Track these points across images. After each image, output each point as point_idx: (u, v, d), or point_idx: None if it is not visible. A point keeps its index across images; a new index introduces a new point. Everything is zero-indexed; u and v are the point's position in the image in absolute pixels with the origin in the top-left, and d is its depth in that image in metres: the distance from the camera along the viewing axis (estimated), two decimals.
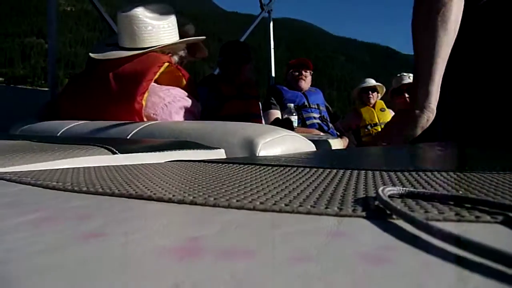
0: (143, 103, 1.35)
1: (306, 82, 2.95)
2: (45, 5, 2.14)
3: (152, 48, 1.48)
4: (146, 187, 0.37)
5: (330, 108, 3.10)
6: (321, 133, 2.69)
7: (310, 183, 0.39)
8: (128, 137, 1.13)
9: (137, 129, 1.15)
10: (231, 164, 0.58)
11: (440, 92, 1.01)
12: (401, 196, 0.31)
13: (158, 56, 1.48)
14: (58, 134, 1.33)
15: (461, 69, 1.06)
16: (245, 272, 0.16)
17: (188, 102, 1.46)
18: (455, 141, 1.14)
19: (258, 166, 0.54)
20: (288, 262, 0.17)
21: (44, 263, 0.18)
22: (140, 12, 1.48)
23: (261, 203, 0.29)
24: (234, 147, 0.94)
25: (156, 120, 1.35)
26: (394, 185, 0.37)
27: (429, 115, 0.97)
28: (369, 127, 3.45)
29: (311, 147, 1.06)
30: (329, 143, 2.36)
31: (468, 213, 0.25)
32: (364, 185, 0.37)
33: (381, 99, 3.62)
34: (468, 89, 1.05)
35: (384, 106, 3.52)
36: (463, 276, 0.16)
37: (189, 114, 1.46)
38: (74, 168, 0.55)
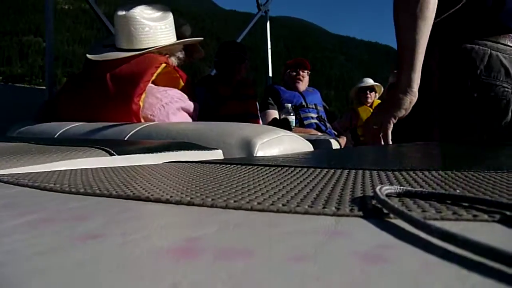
0: (141, 104, 1.35)
1: (303, 82, 2.95)
2: (43, 3, 2.13)
3: (149, 49, 1.48)
4: (143, 188, 0.37)
5: (328, 108, 3.10)
6: (319, 133, 2.70)
7: (308, 183, 0.39)
8: (125, 139, 1.13)
9: (135, 130, 1.15)
10: (229, 165, 0.58)
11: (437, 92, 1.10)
12: (399, 195, 0.31)
13: (156, 57, 1.48)
14: (56, 136, 1.33)
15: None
16: (243, 272, 0.16)
17: (186, 103, 1.46)
18: (452, 140, 1.17)
19: (255, 167, 0.54)
20: (286, 262, 0.17)
21: (42, 265, 0.18)
22: (137, 13, 1.48)
23: (258, 203, 0.29)
24: (231, 148, 0.94)
25: (154, 121, 1.35)
26: (391, 184, 0.37)
27: (412, 98, 1.05)
28: None
29: (309, 147, 1.06)
30: (326, 143, 2.36)
31: (465, 212, 0.25)
32: (361, 184, 0.37)
33: (379, 98, 3.62)
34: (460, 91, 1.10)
35: None
36: (461, 275, 0.16)
37: (187, 115, 1.46)
38: (71, 169, 0.55)
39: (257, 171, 0.49)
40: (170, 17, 1.59)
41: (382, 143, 1.07)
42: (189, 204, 0.30)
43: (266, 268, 0.17)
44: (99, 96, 1.43)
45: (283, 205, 0.28)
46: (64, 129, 1.35)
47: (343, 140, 2.90)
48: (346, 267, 0.17)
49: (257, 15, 3.50)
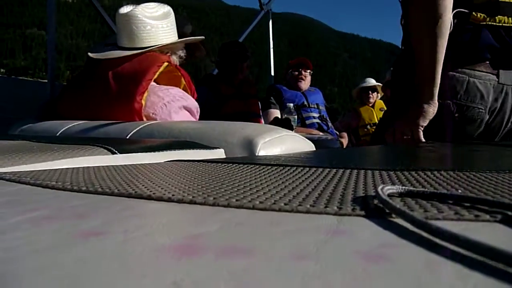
0: (143, 102, 1.35)
1: (305, 82, 2.95)
2: None
3: (151, 48, 1.48)
4: (145, 187, 0.37)
5: (329, 107, 3.10)
6: (321, 133, 2.70)
7: (310, 182, 0.39)
8: (127, 137, 1.13)
9: (136, 129, 1.15)
10: (231, 164, 0.58)
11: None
12: (401, 195, 0.31)
13: (158, 55, 1.48)
14: (58, 134, 1.33)
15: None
16: (244, 270, 0.16)
17: (187, 102, 1.46)
18: (454, 141, 1.20)
19: (257, 166, 0.54)
20: (287, 261, 0.17)
21: (44, 262, 0.18)
22: (139, 12, 1.48)
23: (260, 202, 0.29)
24: (233, 147, 0.94)
25: (155, 119, 1.35)
26: (393, 184, 0.37)
27: (434, 108, 1.18)
28: (368, 126, 3.45)
29: (311, 147, 1.06)
30: (328, 142, 2.36)
31: (467, 212, 0.25)
32: (363, 184, 0.37)
33: (380, 98, 3.62)
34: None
35: (383, 106, 3.53)
36: (463, 275, 0.16)
37: (188, 113, 1.46)
38: (73, 168, 0.55)
39: (259, 170, 0.49)
40: (171, 15, 1.59)
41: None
42: (191, 202, 0.30)
43: (268, 267, 0.17)
44: (101, 95, 1.43)
45: (285, 204, 0.28)
46: (66, 127, 1.35)
47: (345, 140, 2.90)
48: (347, 266, 0.17)
49: (260, 15, 3.50)
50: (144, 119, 1.35)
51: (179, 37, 1.61)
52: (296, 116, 2.75)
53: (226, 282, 0.15)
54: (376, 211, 0.26)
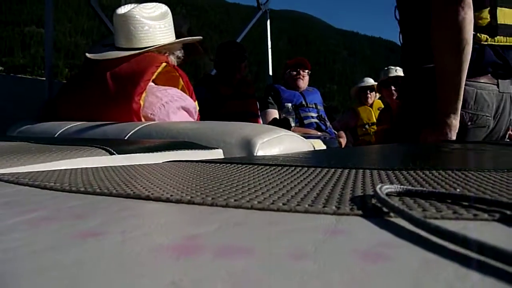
0: (141, 103, 1.35)
1: (303, 82, 2.95)
2: None
3: (149, 48, 1.48)
4: (144, 187, 0.37)
5: (327, 106, 3.10)
6: (319, 133, 2.70)
7: (308, 182, 0.39)
8: (125, 138, 1.13)
9: (135, 129, 1.15)
10: (229, 164, 0.58)
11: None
12: (399, 194, 0.31)
13: (156, 56, 1.47)
14: (56, 135, 1.33)
15: None
16: (243, 270, 0.16)
17: (186, 102, 1.45)
18: (452, 140, 1.25)
19: (256, 166, 0.54)
20: (285, 260, 0.17)
21: (42, 263, 0.18)
22: (136, 12, 1.48)
23: (259, 202, 0.29)
24: (232, 147, 0.94)
25: (154, 120, 1.35)
26: (392, 183, 0.37)
27: (458, 119, 1.32)
28: (366, 126, 3.45)
29: (309, 147, 1.06)
30: (327, 142, 2.36)
31: (465, 211, 0.25)
32: (361, 183, 0.37)
33: (379, 98, 3.62)
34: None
35: (382, 105, 3.53)
36: (461, 274, 0.16)
37: (187, 114, 1.46)
38: (71, 169, 0.55)
39: (258, 170, 0.49)
40: (169, 16, 1.59)
41: None
42: (189, 203, 0.30)
43: (266, 266, 0.17)
44: (100, 95, 1.43)
45: (283, 204, 0.28)
46: (64, 128, 1.35)
47: (343, 139, 2.90)
48: (346, 266, 0.17)
49: (257, 14, 3.50)
50: (143, 119, 1.35)
51: (177, 37, 1.61)
52: (294, 115, 2.75)
53: (224, 282, 0.15)
54: (374, 210, 0.26)
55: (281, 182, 0.39)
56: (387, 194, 0.29)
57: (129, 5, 1.52)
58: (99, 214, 0.28)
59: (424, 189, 0.31)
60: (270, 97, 2.85)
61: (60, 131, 1.34)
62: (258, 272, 0.16)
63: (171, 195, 0.32)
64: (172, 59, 1.58)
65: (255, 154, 0.90)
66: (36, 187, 0.39)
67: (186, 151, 0.83)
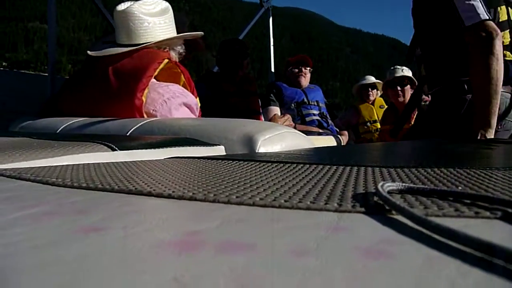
0: (143, 99, 1.35)
1: (305, 79, 2.95)
2: None
3: (147, 44, 1.47)
4: (145, 183, 0.37)
5: (329, 103, 3.10)
6: (320, 130, 2.70)
7: (310, 179, 0.39)
8: (127, 134, 1.13)
9: (137, 126, 1.15)
10: (231, 161, 0.58)
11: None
12: (401, 192, 0.31)
13: (158, 52, 1.47)
14: (58, 131, 1.33)
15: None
16: (244, 266, 0.16)
17: (187, 98, 1.45)
18: (456, 138, 1.27)
19: (257, 163, 0.54)
20: (287, 256, 0.17)
21: (44, 258, 0.18)
22: (135, 8, 1.48)
23: (260, 199, 0.29)
24: (233, 144, 0.94)
25: (156, 116, 1.35)
26: (393, 181, 0.37)
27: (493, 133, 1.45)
28: (368, 124, 3.45)
29: (311, 144, 1.06)
30: (328, 139, 2.36)
31: (467, 209, 0.25)
32: (363, 181, 0.37)
33: (380, 96, 3.61)
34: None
35: (383, 103, 3.52)
36: (463, 271, 0.16)
37: (189, 110, 1.46)
38: (73, 164, 0.55)
39: (259, 167, 0.49)
40: (169, 12, 1.59)
41: None
42: (191, 199, 0.30)
43: (268, 263, 0.17)
44: (102, 92, 1.43)
45: (285, 201, 0.28)
46: (66, 124, 1.35)
47: (345, 137, 2.90)
48: (347, 262, 0.17)
49: (260, 12, 3.50)
50: (145, 116, 1.35)
51: (178, 33, 1.61)
52: (296, 113, 2.75)
53: (226, 278, 0.15)
54: (376, 208, 0.26)
55: (283, 179, 0.39)
56: (388, 192, 0.29)
57: (130, 1, 1.52)
58: (101, 210, 0.28)
59: (426, 186, 0.31)
60: (272, 95, 2.85)
61: (62, 127, 1.34)
62: (260, 268, 0.16)
63: (173, 191, 0.32)
64: (174, 55, 1.58)
65: (257, 151, 0.90)
66: (38, 183, 0.39)
67: (188, 148, 0.83)
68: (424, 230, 0.21)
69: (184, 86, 1.54)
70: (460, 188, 0.33)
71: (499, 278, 0.15)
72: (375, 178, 0.39)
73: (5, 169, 0.48)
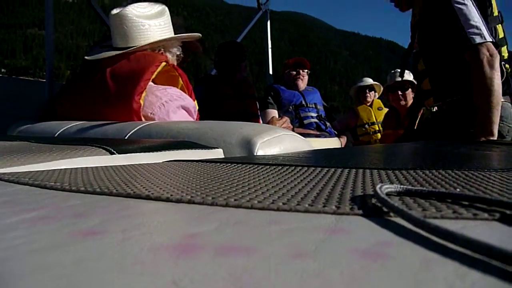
0: (141, 102, 1.34)
1: (303, 82, 2.95)
2: None
3: (141, 46, 1.47)
4: (144, 187, 0.37)
5: (327, 106, 3.10)
6: (318, 133, 2.70)
7: (308, 182, 0.39)
8: (125, 137, 1.13)
9: (135, 129, 1.15)
10: (229, 164, 0.58)
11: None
12: (399, 194, 0.31)
13: (155, 55, 1.47)
14: (56, 135, 1.33)
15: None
16: (243, 269, 0.16)
17: (185, 101, 1.45)
18: (454, 140, 1.28)
19: (256, 166, 0.54)
20: (286, 259, 0.17)
21: (42, 261, 0.18)
22: (129, 11, 1.47)
23: (259, 201, 0.29)
24: (232, 147, 0.94)
25: (154, 119, 1.35)
26: (392, 183, 0.37)
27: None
28: (366, 126, 3.45)
29: (309, 146, 1.06)
30: (327, 142, 2.36)
31: (465, 211, 0.25)
32: (361, 183, 0.37)
33: (378, 97, 3.62)
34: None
35: (381, 105, 3.52)
36: (461, 273, 0.16)
37: (186, 113, 1.46)
38: (72, 168, 0.55)
39: (258, 170, 0.49)
40: (166, 14, 1.58)
41: None
42: (189, 202, 0.30)
43: (266, 265, 0.17)
44: (100, 95, 1.43)
45: (284, 203, 0.28)
46: (65, 128, 1.35)
47: (343, 139, 2.90)
48: (345, 264, 0.17)
49: (258, 15, 3.50)
50: (143, 119, 1.35)
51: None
52: (294, 116, 2.75)
53: (224, 281, 0.15)
54: (374, 210, 0.26)
55: (281, 182, 0.39)
56: (387, 194, 0.29)
57: (125, 4, 1.52)
58: (99, 213, 0.28)
59: (424, 188, 0.31)
60: (270, 97, 2.85)
61: (60, 131, 1.34)
62: (258, 271, 0.16)
63: (171, 195, 0.32)
64: (171, 58, 1.58)
65: (255, 154, 0.90)
66: (36, 187, 0.39)
67: (186, 151, 0.83)
68: (422, 232, 0.21)
69: (182, 89, 1.54)
70: (458, 190, 0.33)
71: (497, 279, 0.15)
72: (373, 180, 0.39)
73: (3, 173, 0.48)
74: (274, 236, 0.21)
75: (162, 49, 1.56)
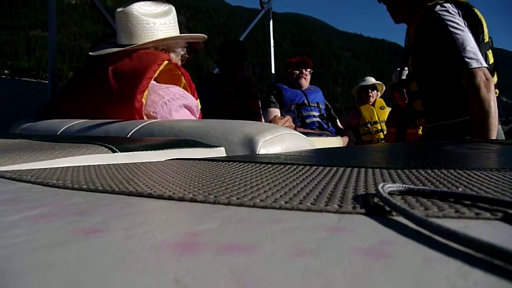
0: (143, 101, 1.35)
1: (306, 81, 2.95)
2: None
3: (144, 43, 1.47)
4: (146, 185, 0.37)
5: (330, 106, 3.10)
6: (320, 132, 2.70)
7: (310, 180, 0.39)
8: (128, 136, 1.13)
9: (137, 127, 1.15)
10: (231, 162, 0.58)
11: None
12: (401, 193, 0.31)
13: (158, 54, 1.47)
14: (58, 133, 1.33)
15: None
16: (245, 267, 0.16)
17: (188, 100, 1.45)
18: (456, 139, 1.28)
19: (258, 164, 0.54)
20: (288, 257, 0.17)
21: (44, 259, 0.18)
22: (134, 9, 1.48)
23: (261, 200, 0.29)
24: (234, 145, 0.94)
25: (156, 118, 1.35)
26: (394, 182, 0.37)
27: None
28: (368, 125, 3.45)
29: (311, 145, 1.06)
30: (329, 141, 2.36)
31: (468, 210, 0.25)
32: (364, 182, 0.37)
33: (381, 97, 3.62)
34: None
35: (384, 104, 3.53)
36: (463, 272, 0.16)
37: (189, 112, 1.46)
38: (74, 166, 0.55)
39: (260, 168, 0.49)
40: (172, 14, 1.58)
41: None
42: (191, 200, 0.30)
43: (268, 263, 0.17)
44: (102, 94, 1.43)
45: (286, 202, 0.28)
46: (67, 126, 1.35)
47: (345, 138, 2.90)
48: (348, 263, 0.17)
49: (260, 13, 3.50)
50: (145, 117, 1.35)
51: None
52: (296, 115, 2.75)
53: (226, 279, 0.15)
54: (376, 209, 0.26)
55: (283, 180, 0.39)
56: (389, 193, 0.29)
57: (131, 2, 1.52)
58: (102, 211, 0.28)
59: (426, 188, 0.31)
60: (272, 96, 2.85)
61: (62, 129, 1.34)
62: (261, 269, 0.16)
63: (174, 193, 0.32)
64: (174, 57, 1.58)
65: (257, 152, 0.90)
66: (38, 184, 0.39)
67: (189, 149, 0.83)
68: (425, 231, 0.21)
69: (184, 88, 1.54)
70: (460, 189, 0.33)
71: (499, 279, 0.15)
72: (376, 179, 0.39)
73: (6, 171, 0.48)
74: (276, 234, 0.21)
75: (167, 49, 1.56)
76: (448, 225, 0.19)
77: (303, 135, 1.10)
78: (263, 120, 2.59)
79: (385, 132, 3.28)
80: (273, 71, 3.56)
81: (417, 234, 0.21)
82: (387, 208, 0.25)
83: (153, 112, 1.36)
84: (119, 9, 1.50)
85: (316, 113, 2.84)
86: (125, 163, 0.60)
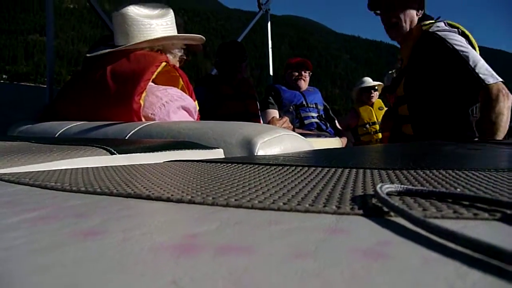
0: (141, 103, 1.34)
1: (305, 83, 2.95)
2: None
3: (138, 43, 1.47)
4: (144, 187, 0.37)
5: (328, 107, 3.10)
6: (319, 133, 2.70)
7: (309, 182, 0.39)
8: (126, 138, 1.13)
9: (135, 129, 1.15)
10: (230, 164, 0.58)
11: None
12: (399, 193, 0.31)
13: (155, 55, 1.47)
14: (56, 135, 1.33)
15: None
16: (243, 269, 0.16)
17: (186, 102, 1.45)
18: (452, 140, 1.28)
19: (256, 166, 0.54)
20: (286, 259, 0.17)
21: (42, 262, 0.18)
22: (131, 10, 1.48)
23: (259, 202, 0.29)
24: (232, 147, 0.94)
25: (154, 120, 1.35)
26: (392, 182, 0.37)
27: None
28: (367, 125, 3.45)
29: (310, 146, 1.06)
30: (327, 141, 2.36)
31: (466, 211, 0.25)
32: (362, 183, 0.37)
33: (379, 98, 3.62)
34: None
35: (382, 105, 3.53)
36: (461, 272, 0.16)
37: (187, 114, 1.46)
38: (72, 168, 0.55)
39: (258, 170, 0.49)
40: (169, 16, 1.58)
41: None
42: (190, 202, 0.30)
43: (267, 265, 0.17)
44: (100, 95, 1.43)
45: (284, 203, 0.28)
46: (65, 128, 1.35)
47: (344, 139, 2.90)
48: (346, 264, 0.17)
49: (258, 14, 3.50)
50: (143, 119, 1.35)
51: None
52: (294, 116, 2.75)
53: (225, 281, 0.15)
54: (375, 210, 0.26)
55: (281, 182, 0.39)
56: (387, 194, 0.29)
57: (128, 4, 1.52)
58: (100, 214, 0.28)
59: (425, 188, 0.31)
60: (270, 97, 2.85)
61: (60, 131, 1.34)
62: (259, 270, 0.16)
63: (172, 195, 0.32)
64: (172, 58, 1.58)
65: (255, 154, 0.90)
66: (36, 187, 0.39)
67: (187, 151, 0.83)
68: (423, 232, 0.21)
69: (182, 89, 1.54)
70: (458, 189, 0.33)
71: (497, 279, 0.15)
72: (374, 180, 0.39)
73: (4, 174, 0.48)
74: (274, 236, 0.21)
75: (162, 49, 1.56)
76: (446, 226, 0.19)
77: (301, 136, 1.10)
78: (261, 121, 2.59)
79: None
80: (271, 73, 3.56)
81: (416, 234, 0.21)
82: (385, 209, 0.25)
83: (151, 113, 1.36)
84: (116, 12, 1.50)
85: (315, 114, 2.84)
86: (124, 165, 0.60)
